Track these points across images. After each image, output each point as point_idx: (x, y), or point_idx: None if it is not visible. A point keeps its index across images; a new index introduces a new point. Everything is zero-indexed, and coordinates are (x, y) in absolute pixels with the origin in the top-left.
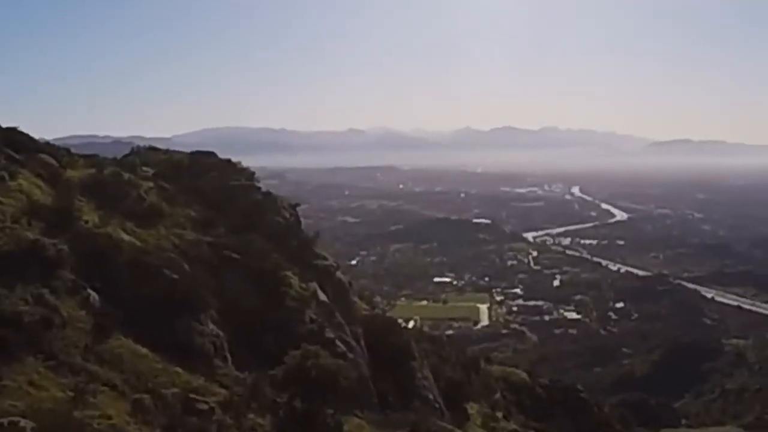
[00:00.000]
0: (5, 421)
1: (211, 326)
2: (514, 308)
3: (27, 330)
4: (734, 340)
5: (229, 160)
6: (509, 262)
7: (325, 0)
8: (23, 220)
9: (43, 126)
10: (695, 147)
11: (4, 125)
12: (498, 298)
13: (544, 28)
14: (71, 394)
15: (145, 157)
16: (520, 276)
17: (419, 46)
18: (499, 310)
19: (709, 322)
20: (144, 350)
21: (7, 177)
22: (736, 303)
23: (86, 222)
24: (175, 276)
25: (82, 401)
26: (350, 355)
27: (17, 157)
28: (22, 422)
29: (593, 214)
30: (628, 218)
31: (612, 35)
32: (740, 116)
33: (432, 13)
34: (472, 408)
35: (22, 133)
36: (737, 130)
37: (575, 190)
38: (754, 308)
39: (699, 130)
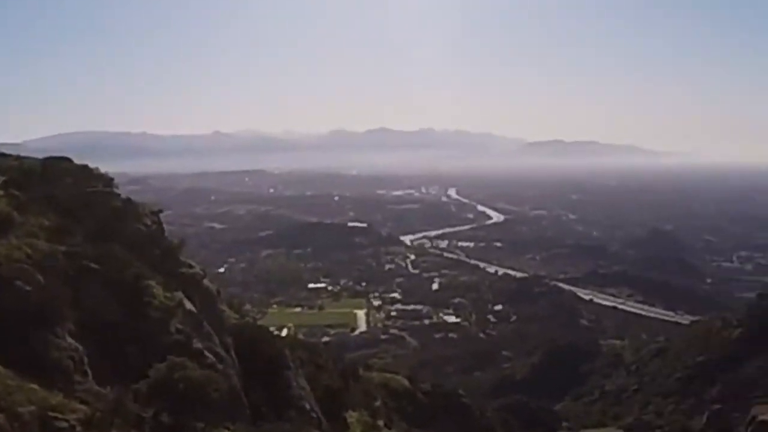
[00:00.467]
0: None
1: (69, 340)
2: (393, 313)
3: None
4: (611, 341)
5: (85, 166)
6: (386, 266)
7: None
8: None
9: None
10: (568, 147)
11: None
12: (376, 303)
13: (417, 28)
14: None
15: None
16: (398, 280)
17: (289, 46)
18: (377, 316)
19: (586, 323)
20: None
21: None
22: (611, 303)
23: None
24: (28, 288)
25: None
26: (220, 366)
27: None
28: None
29: (470, 216)
30: (505, 220)
31: (484, 36)
32: (611, 117)
33: (301, 12)
34: (352, 416)
35: None
36: (609, 130)
37: (452, 192)
38: (629, 308)
39: (572, 131)
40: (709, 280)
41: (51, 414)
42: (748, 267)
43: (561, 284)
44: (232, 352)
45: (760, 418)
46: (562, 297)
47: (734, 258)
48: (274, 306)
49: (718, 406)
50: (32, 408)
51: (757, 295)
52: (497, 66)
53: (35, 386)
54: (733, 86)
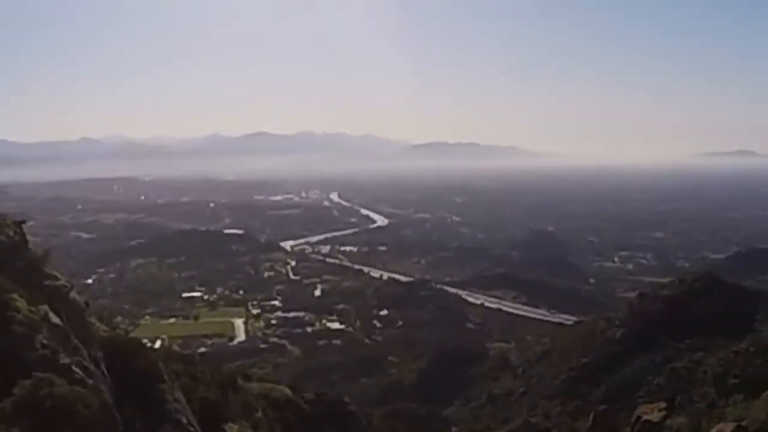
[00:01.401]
0: None
1: None
2: (273, 321)
3: None
4: (498, 344)
5: None
6: (266, 273)
7: None
8: None
9: None
10: (451, 149)
11: None
12: (255, 312)
13: (295, 29)
14: None
15: None
16: (278, 287)
17: (158, 48)
18: (256, 324)
19: (472, 326)
20: None
21: None
22: (497, 306)
23: None
24: None
25: None
26: (90, 381)
27: None
28: None
29: (353, 220)
30: (389, 223)
31: (364, 37)
32: (491, 118)
33: (171, 10)
34: (232, 429)
35: None
36: (491, 132)
37: (334, 195)
38: (514, 310)
39: (453, 133)
40: (591, 280)
41: None
42: (629, 266)
43: (447, 287)
44: (103, 367)
45: (645, 417)
46: (448, 300)
47: (615, 258)
48: (147, 317)
49: (603, 407)
50: None
51: (638, 294)
52: (378, 67)
53: None
54: (609, 88)
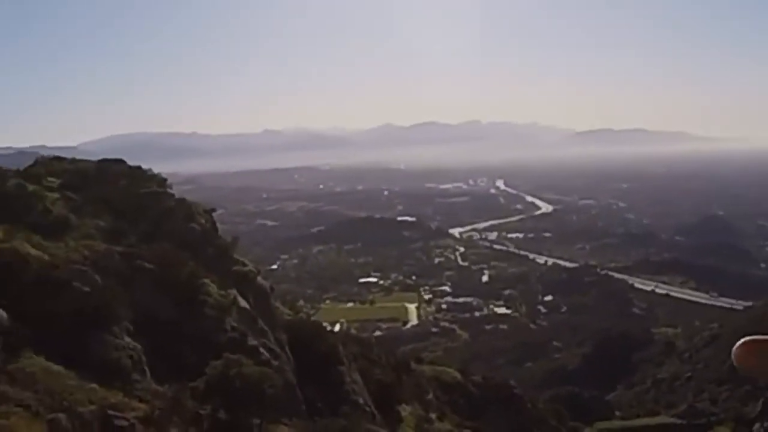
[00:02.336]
0: None
1: (127, 339)
2: (443, 306)
3: None
4: (663, 329)
5: (138, 167)
6: (436, 260)
7: None
8: None
9: None
10: (617, 136)
11: None
12: (426, 297)
13: (461, 22)
14: None
15: (49, 167)
16: (448, 273)
17: (333, 42)
18: (427, 309)
19: (637, 311)
20: (57, 367)
21: None
22: (663, 291)
23: None
24: (86, 288)
25: None
26: (275, 363)
27: None
28: None
29: (519, 207)
30: (554, 210)
31: (527, 27)
32: (659, 104)
33: (343, 8)
34: (405, 410)
35: None
36: (657, 117)
37: (500, 183)
38: (681, 296)
39: (620, 120)
40: (762, 265)
41: (111, 413)
42: None
43: (612, 273)
44: (287, 349)
45: None
46: (613, 286)
47: None
48: (327, 301)
49: None
50: (93, 407)
51: None
52: (544, 57)
53: (95, 386)
54: None
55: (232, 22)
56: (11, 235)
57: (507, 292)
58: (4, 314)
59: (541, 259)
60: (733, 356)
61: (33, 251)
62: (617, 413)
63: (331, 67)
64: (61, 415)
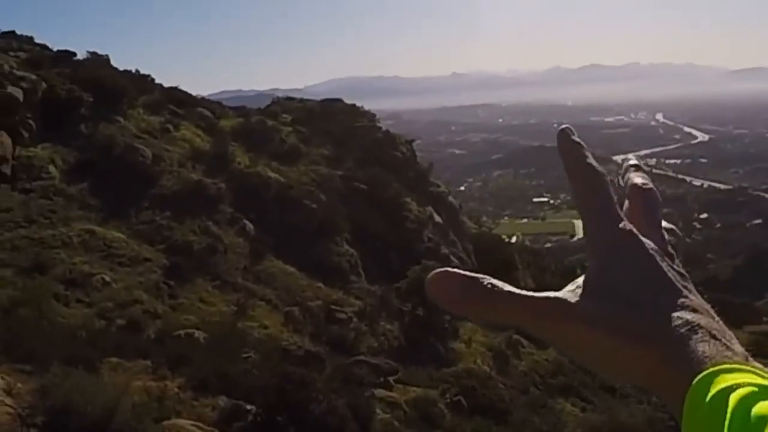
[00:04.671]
0: (182, 332)
1: (346, 247)
2: None
3: (196, 256)
4: None
5: (353, 105)
6: None
7: None
8: (188, 164)
9: (199, 84)
10: None
11: (166, 85)
12: None
13: None
14: (234, 308)
15: (283, 105)
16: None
17: None
18: None
19: None
20: (292, 269)
21: (172, 128)
22: None
23: (239, 163)
24: (314, 205)
25: (243, 314)
26: (463, 268)
27: (180, 111)
28: (196, 333)
29: (677, 136)
30: (709, 139)
31: None
32: None
33: None
34: None
35: (182, 91)
36: None
37: (659, 116)
38: None
39: None
40: None
41: (333, 307)
42: None
43: (763, 194)
44: (472, 256)
45: None
46: (763, 205)
47: None
48: (505, 218)
49: None
50: (319, 302)
51: None
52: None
53: (321, 285)
54: None
55: None
56: (255, 161)
57: (665, 210)
58: (251, 225)
59: (697, 182)
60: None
61: (273, 175)
62: (765, 318)
63: (504, 13)
64: (295, 308)
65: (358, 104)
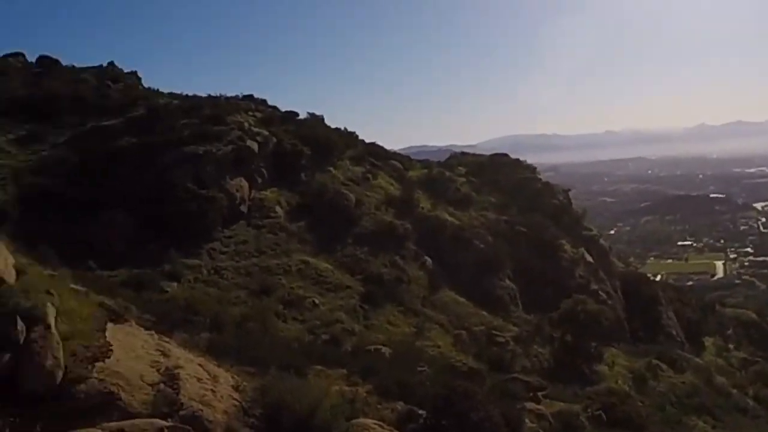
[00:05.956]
0: (372, 347)
1: (507, 282)
2: (746, 263)
3: (386, 285)
4: None
5: (517, 159)
6: (741, 228)
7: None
8: (382, 207)
9: (391, 138)
10: None
11: (366, 140)
12: (731, 256)
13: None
14: (414, 330)
15: (459, 159)
16: (750, 238)
17: (653, 53)
18: (732, 265)
19: None
20: (462, 299)
21: (370, 177)
22: None
23: (422, 208)
24: (482, 245)
25: (421, 335)
26: (609, 302)
27: (377, 163)
28: (383, 349)
29: None
30: None
31: None
32: None
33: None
34: (708, 341)
35: (378, 146)
36: None
37: None
38: None
39: None
40: None
41: (494, 332)
42: None
43: None
44: (619, 293)
45: None
46: None
47: None
48: (651, 258)
49: None
50: (482, 327)
51: None
52: None
53: (485, 313)
54: None
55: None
56: (435, 206)
57: None
58: (430, 261)
59: None
60: None
61: (449, 218)
62: None
63: (652, 75)
64: (463, 332)
65: (522, 158)
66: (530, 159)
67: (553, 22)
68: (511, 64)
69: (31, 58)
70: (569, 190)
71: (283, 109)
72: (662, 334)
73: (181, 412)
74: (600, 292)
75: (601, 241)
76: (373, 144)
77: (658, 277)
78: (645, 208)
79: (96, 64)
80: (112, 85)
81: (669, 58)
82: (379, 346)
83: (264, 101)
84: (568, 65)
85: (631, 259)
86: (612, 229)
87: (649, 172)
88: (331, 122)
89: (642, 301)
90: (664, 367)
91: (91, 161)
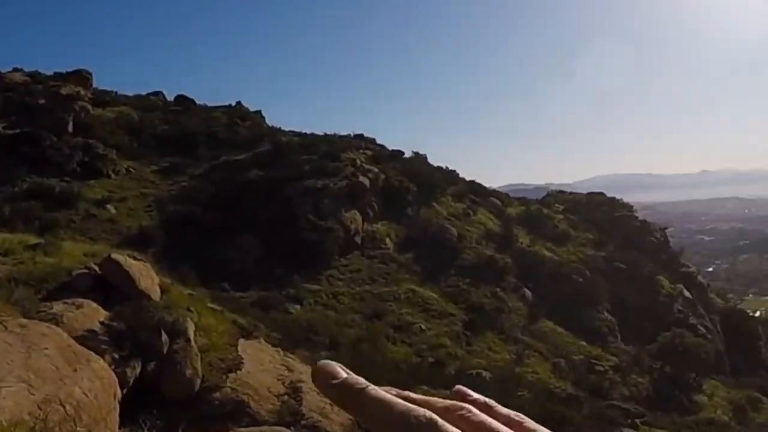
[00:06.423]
0: (474, 371)
1: (605, 315)
2: None
3: (487, 314)
4: None
5: (613, 198)
6: None
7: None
8: (483, 241)
9: (490, 176)
10: None
11: (467, 178)
12: None
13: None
14: (514, 356)
15: (556, 197)
16: None
17: (748, 90)
18: None
19: None
20: (561, 329)
21: (471, 213)
22: None
23: (521, 243)
24: (581, 279)
25: (520, 362)
26: (708, 336)
27: (477, 199)
28: (484, 373)
29: None
30: None
31: None
32: None
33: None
34: None
35: (478, 183)
36: None
37: None
38: None
39: None
40: None
41: (593, 361)
42: None
43: None
44: (718, 327)
45: None
46: None
47: None
48: (750, 295)
49: None
50: (581, 356)
51: None
52: None
53: (584, 343)
54: None
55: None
56: (534, 242)
57: None
58: (529, 293)
59: None
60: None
61: (548, 253)
62: None
63: (746, 114)
64: (561, 360)
65: (618, 197)
66: (626, 198)
67: (647, 62)
68: (606, 100)
69: (169, 96)
70: (666, 228)
71: (390, 148)
72: (763, 368)
73: (303, 422)
74: (699, 326)
75: (699, 277)
76: (473, 182)
77: (758, 313)
78: (743, 246)
79: (226, 103)
80: (241, 123)
81: (765, 95)
82: (481, 371)
83: (373, 140)
84: (662, 103)
85: (730, 296)
86: (710, 267)
87: (746, 211)
88: (434, 160)
89: (741, 336)
90: (765, 399)
91: (224, 191)
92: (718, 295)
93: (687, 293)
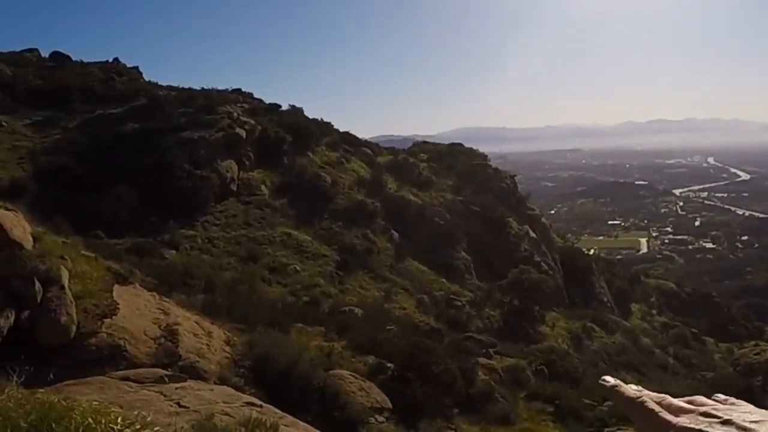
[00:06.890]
0: (347, 308)
1: (463, 253)
2: (666, 241)
3: (358, 255)
4: None
5: (471, 148)
6: (662, 210)
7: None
8: (355, 188)
9: (363, 128)
10: None
11: (341, 129)
12: (654, 234)
13: (692, 30)
14: (383, 294)
15: (421, 147)
16: (670, 219)
17: (587, 55)
18: (654, 242)
19: None
20: (424, 268)
21: (344, 162)
22: None
23: (390, 189)
24: (441, 222)
25: (389, 298)
26: (550, 272)
27: (350, 149)
28: (356, 310)
29: (724, 175)
30: (750, 177)
31: (739, 34)
32: None
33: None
34: (634, 307)
35: (351, 135)
36: None
37: (710, 159)
38: None
39: None
40: None
41: (452, 296)
42: None
43: None
44: (558, 264)
45: None
46: None
47: None
48: (585, 235)
49: None
50: (442, 292)
51: None
52: (749, 59)
53: (444, 280)
54: None
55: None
56: (401, 188)
57: (713, 232)
58: (397, 235)
59: (740, 211)
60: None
61: (412, 198)
62: None
63: (586, 76)
64: (425, 296)
65: (475, 147)
66: (482, 148)
67: (508, 33)
68: (467, 62)
69: (44, 53)
70: (515, 175)
71: (267, 102)
72: (595, 301)
73: (180, 363)
74: (542, 264)
75: (543, 219)
76: (346, 133)
77: (592, 251)
78: (580, 192)
79: (102, 60)
80: (117, 78)
81: (601, 59)
82: (353, 308)
83: (250, 94)
84: (516, 66)
85: (569, 236)
86: (552, 210)
87: (584, 161)
88: (310, 113)
89: (578, 272)
90: (597, 329)
91: (98, 144)
92: (559, 235)
93: (532, 233)
